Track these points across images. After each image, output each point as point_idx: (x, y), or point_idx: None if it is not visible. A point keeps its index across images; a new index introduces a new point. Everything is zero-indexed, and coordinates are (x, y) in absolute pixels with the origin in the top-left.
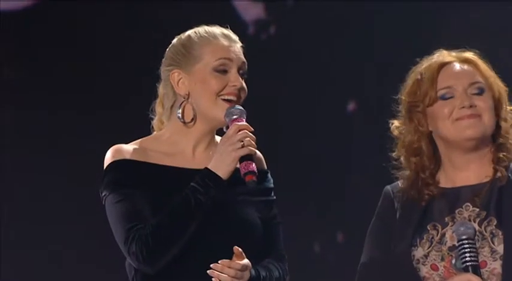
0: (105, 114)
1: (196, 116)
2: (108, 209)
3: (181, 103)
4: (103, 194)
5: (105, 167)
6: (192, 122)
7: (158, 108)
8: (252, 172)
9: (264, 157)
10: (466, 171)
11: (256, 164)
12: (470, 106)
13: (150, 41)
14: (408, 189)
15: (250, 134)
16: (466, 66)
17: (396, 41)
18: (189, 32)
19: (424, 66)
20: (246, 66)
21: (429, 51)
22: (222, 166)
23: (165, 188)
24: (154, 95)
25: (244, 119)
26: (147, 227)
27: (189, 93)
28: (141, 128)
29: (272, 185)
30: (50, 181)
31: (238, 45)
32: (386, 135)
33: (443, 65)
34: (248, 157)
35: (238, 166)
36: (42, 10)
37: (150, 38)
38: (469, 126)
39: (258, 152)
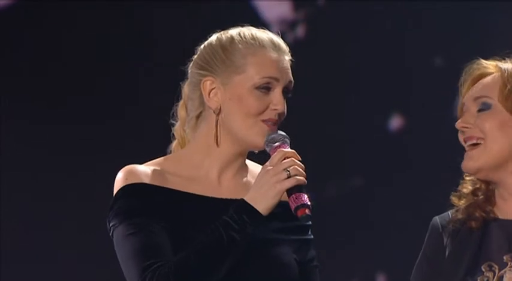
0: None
1: (224, 136)
2: (117, 243)
3: (215, 120)
4: (111, 224)
5: (115, 191)
6: (216, 142)
7: (181, 111)
8: (304, 205)
9: None
10: None
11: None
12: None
13: (167, 42)
14: (460, 219)
15: (298, 162)
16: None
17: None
18: (233, 33)
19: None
20: (292, 87)
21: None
22: (262, 199)
23: (186, 219)
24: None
25: (288, 146)
26: (167, 265)
27: (220, 107)
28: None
29: (310, 223)
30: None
31: (287, 58)
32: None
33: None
34: (298, 188)
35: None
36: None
37: (166, 38)
38: (466, 157)
39: None
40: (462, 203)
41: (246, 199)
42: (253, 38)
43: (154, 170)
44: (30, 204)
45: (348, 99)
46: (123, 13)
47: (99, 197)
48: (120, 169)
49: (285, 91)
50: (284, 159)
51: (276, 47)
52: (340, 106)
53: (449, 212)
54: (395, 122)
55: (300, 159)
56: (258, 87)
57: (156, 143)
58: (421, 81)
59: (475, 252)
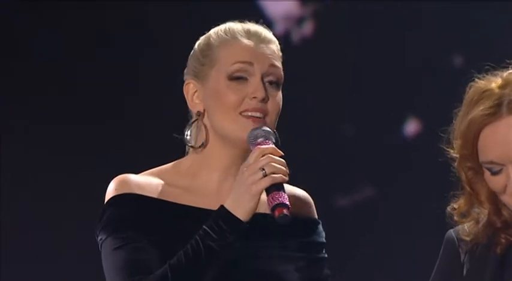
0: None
1: (215, 140)
2: (104, 257)
3: (193, 122)
4: (99, 238)
5: (105, 202)
6: (201, 147)
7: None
8: (281, 204)
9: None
10: None
11: (303, 209)
12: None
13: (169, 41)
14: (479, 233)
15: (278, 158)
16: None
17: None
18: (210, 32)
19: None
20: (280, 73)
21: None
22: (240, 204)
23: (178, 232)
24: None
25: (272, 143)
26: (148, 280)
27: (204, 110)
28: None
29: (324, 240)
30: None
31: (270, 46)
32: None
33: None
34: (276, 187)
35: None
36: None
37: (168, 38)
38: None
39: (305, 194)
40: (468, 220)
41: (225, 204)
42: (227, 30)
43: (148, 181)
44: (30, 204)
45: (359, 101)
46: (125, 11)
47: (99, 197)
48: (119, 170)
49: (268, 80)
50: (263, 156)
51: (250, 34)
52: (350, 109)
53: (466, 226)
54: (411, 127)
55: (282, 154)
56: (231, 77)
57: (156, 144)
58: (439, 81)
59: (495, 269)
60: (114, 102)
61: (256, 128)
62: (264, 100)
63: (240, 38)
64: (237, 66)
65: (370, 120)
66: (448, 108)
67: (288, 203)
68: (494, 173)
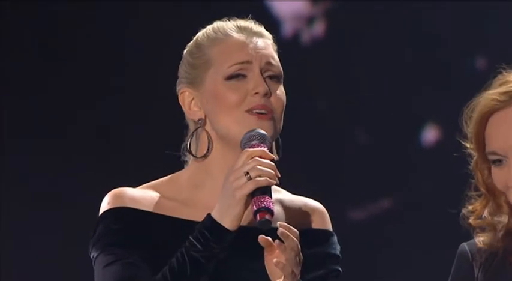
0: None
1: (220, 147)
2: (96, 272)
3: (194, 130)
4: (91, 255)
5: (98, 216)
6: (204, 157)
7: None
8: (264, 208)
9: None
10: None
11: (315, 220)
12: None
13: (173, 45)
14: (496, 241)
15: (265, 160)
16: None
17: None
18: (198, 33)
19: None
20: (279, 67)
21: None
22: (226, 211)
23: (172, 247)
24: None
25: (266, 147)
26: None
27: (205, 116)
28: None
29: (337, 253)
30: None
31: (263, 40)
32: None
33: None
34: (261, 190)
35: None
36: None
37: (171, 41)
38: None
39: (318, 205)
40: (479, 223)
41: (212, 213)
42: (216, 29)
43: (144, 194)
44: (30, 204)
45: (373, 106)
46: (131, 12)
47: (100, 197)
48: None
49: (268, 75)
50: (250, 160)
51: (242, 29)
52: (363, 114)
53: (480, 240)
54: (430, 134)
55: (273, 158)
56: (229, 78)
57: (156, 146)
58: (460, 85)
59: None
60: (116, 103)
61: (251, 131)
62: (267, 95)
63: (231, 33)
64: (235, 67)
65: (385, 127)
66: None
67: (271, 207)
68: (496, 166)
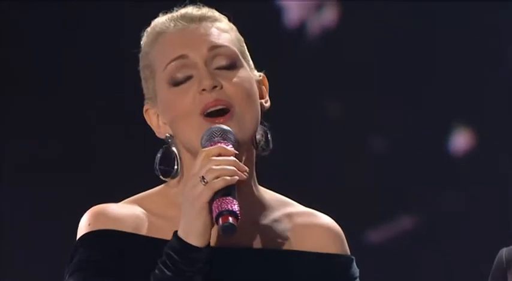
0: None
1: (187, 162)
2: None
3: (163, 148)
4: None
5: (76, 239)
6: (178, 175)
7: None
8: (227, 211)
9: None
10: None
11: (330, 243)
12: None
13: None
14: None
15: (222, 158)
16: None
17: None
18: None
19: None
20: (228, 51)
21: None
22: (190, 227)
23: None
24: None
25: (230, 143)
26: None
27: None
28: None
29: (357, 276)
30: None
31: (204, 23)
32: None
33: None
34: (222, 192)
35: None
36: None
37: None
38: None
39: (333, 224)
40: None
41: (178, 230)
42: (152, 28)
43: (129, 211)
44: (31, 204)
45: (392, 108)
46: (130, 12)
47: (100, 198)
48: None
49: (220, 65)
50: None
51: (177, 20)
52: (380, 117)
53: None
54: (460, 139)
55: (233, 153)
56: (173, 83)
57: (156, 148)
58: (495, 84)
59: None
60: (116, 106)
61: (210, 127)
62: (217, 88)
63: (165, 30)
64: (170, 68)
65: (406, 132)
66: (506, 115)
67: (235, 209)
68: None
